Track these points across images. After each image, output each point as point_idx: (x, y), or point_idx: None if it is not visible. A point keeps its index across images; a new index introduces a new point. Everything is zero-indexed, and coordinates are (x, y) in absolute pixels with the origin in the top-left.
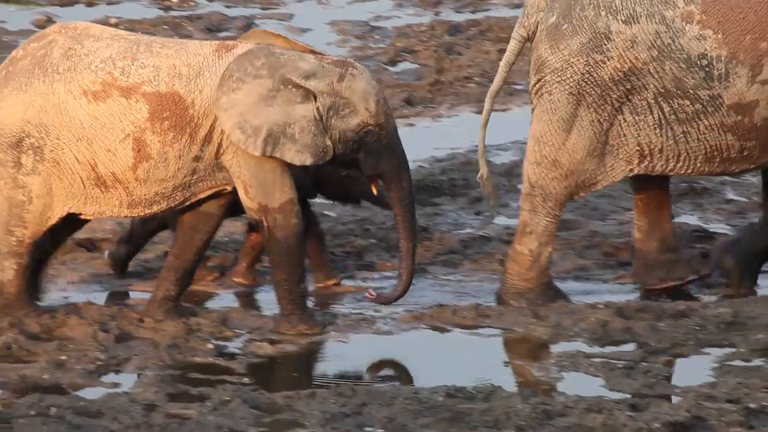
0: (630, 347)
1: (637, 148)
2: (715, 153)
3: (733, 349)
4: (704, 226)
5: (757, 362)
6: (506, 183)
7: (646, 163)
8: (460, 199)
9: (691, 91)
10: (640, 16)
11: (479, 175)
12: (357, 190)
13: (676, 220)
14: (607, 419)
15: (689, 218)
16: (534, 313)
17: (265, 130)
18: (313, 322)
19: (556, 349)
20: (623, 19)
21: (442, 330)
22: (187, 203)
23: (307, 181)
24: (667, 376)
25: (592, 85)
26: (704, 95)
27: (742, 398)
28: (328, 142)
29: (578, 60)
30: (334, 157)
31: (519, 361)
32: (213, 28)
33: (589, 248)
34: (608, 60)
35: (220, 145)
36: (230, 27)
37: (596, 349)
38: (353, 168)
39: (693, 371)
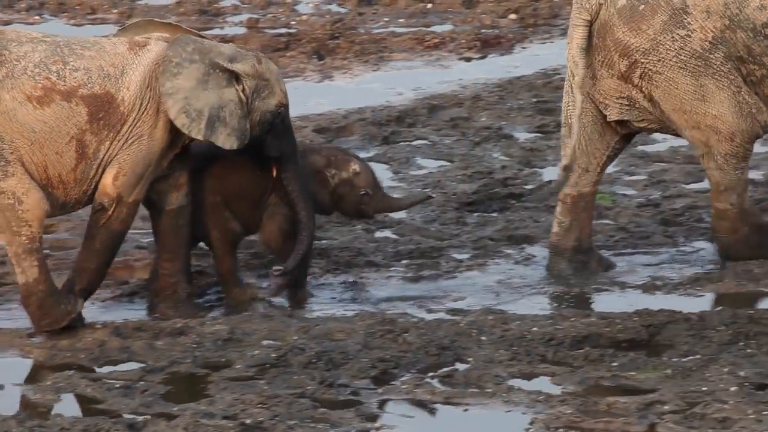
0: (128, 366)
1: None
2: None
3: (230, 366)
4: None
5: (253, 378)
6: None
7: None
8: None
9: (758, 58)
10: None
11: (563, 165)
12: (374, 206)
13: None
14: None
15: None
16: (28, 335)
17: (206, 114)
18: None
19: (52, 370)
20: None
21: None
22: None
23: (326, 199)
24: (165, 395)
25: (692, 58)
26: None
27: (239, 414)
28: (248, 126)
29: (665, 38)
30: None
31: (14, 384)
32: None
33: None
34: (692, 33)
35: (127, 137)
36: None
37: (94, 370)
38: (254, 151)
39: (191, 389)
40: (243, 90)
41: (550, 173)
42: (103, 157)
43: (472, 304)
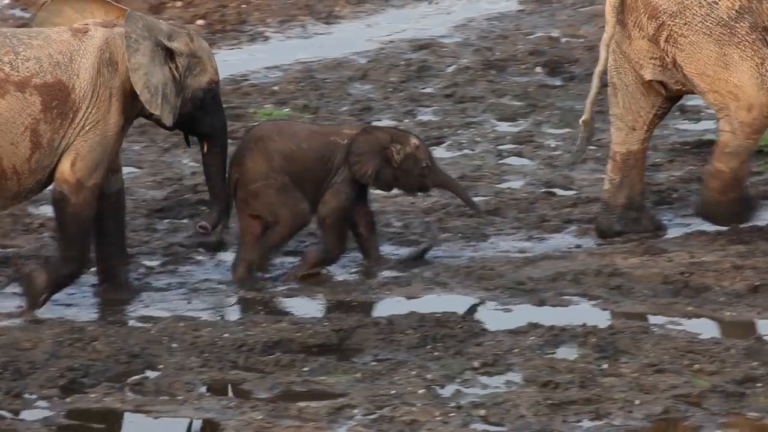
0: None
1: None
2: None
3: None
4: None
5: None
6: None
7: None
8: None
9: None
10: None
11: (582, 119)
12: (432, 178)
13: None
14: None
15: None
16: None
17: (160, 90)
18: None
19: None
20: None
21: None
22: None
23: (389, 175)
24: None
25: (717, 26)
26: None
27: None
28: (179, 103)
29: (692, 2)
30: (179, 117)
31: None
32: None
33: None
34: (719, 0)
35: (83, 124)
36: None
37: None
38: (185, 128)
39: None
40: (176, 68)
41: None
42: (59, 146)
43: (162, 311)
